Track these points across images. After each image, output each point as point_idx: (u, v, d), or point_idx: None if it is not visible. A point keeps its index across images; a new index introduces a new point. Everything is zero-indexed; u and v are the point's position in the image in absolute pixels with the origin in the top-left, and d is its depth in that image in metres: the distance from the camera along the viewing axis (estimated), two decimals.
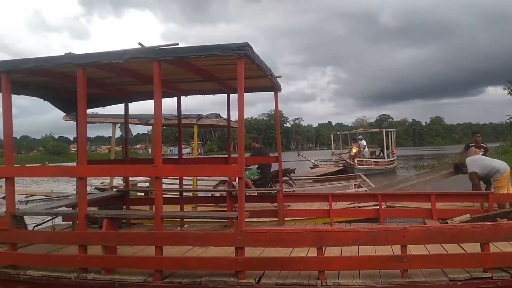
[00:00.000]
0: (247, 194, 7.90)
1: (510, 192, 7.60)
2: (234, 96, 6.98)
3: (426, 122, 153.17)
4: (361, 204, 7.63)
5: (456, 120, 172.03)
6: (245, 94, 6.69)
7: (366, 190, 9.43)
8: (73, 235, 4.99)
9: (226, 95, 7.04)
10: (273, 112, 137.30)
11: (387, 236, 4.20)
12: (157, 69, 4.44)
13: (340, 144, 34.06)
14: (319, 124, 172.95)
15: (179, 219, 6.86)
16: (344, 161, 25.38)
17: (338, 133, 36.85)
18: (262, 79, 5.84)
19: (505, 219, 5.91)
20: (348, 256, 4.52)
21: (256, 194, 8.12)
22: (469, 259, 4.16)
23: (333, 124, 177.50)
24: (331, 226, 6.56)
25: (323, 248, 4.31)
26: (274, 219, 6.85)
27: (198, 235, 4.63)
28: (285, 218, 6.87)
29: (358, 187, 10.26)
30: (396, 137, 30.42)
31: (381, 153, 28.09)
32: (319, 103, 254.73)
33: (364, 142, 28.46)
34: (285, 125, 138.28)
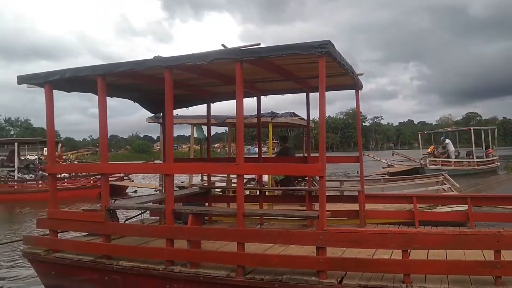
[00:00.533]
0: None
1: None
2: (312, 95, 6.96)
3: None
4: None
5: None
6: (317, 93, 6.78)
7: (453, 192, 8.92)
8: (161, 229, 5.26)
9: (304, 94, 7.03)
10: (351, 111, 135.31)
11: (479, 240, 3.96)
12: (239, 70, 4.54)
13: (420, 143, 32.55)
14: (399, 123, 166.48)
15: (258, 217, 6.97)
16: (412, 161, 24.60)
17: (425, 132, 35.06)
18: (343, 77, 5.75)
19: None
20: (436, 259, 4.31)
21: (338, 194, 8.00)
22: None
23: (415, 122, 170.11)
24: (416, 228, 6.30)
25: (409, 250, 4.17)
26: (354, 220, 6.71)
27: (280, 232, 4.67)
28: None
29: (440, 186, 9.72)
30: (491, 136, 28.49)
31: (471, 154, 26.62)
32: (401, 101, 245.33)
33: (448, 141, 26.96)
34: (363, 124, 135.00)
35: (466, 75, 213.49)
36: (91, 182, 19.24)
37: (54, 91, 5.65)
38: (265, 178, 9.72)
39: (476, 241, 3.97)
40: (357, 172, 11.55)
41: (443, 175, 10.10)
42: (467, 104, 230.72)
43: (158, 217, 6.94)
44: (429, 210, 7.25)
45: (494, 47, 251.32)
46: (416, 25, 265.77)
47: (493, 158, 26.56)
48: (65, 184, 19.27)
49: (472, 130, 27.27)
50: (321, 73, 4.26)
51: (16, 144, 20.41)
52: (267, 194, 7.25)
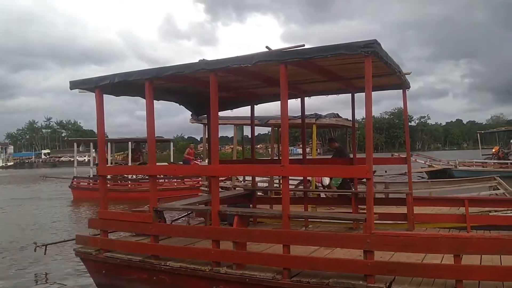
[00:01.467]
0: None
1: None
2: (358, 96, 6.83)
3: None
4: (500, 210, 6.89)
5: None
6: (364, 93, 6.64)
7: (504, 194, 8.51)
8: (207, 230, 5.32)
9: (349, 94, 6.93)
10: (395, 110, 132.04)
11: None
12: (284, 71, 4.53)
13: (479, 144, 31.19)
14: (447, 123, 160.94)
15: (303, 220, 6.92)
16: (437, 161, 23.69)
17: (482, 132, 33.44)
18: (389, 76, 5.61)
19: None
20: (490, 265, 4.12)
21: (383, 197, 7.81)
22: None
23: (464, 122, 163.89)
24: (468, 232, 6.05)
25: (461, 255, 4.01)
26: (402, 222, 6.52)
27: (326, 235, 4.62)
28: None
29: (493, 190, 9.30)
30: None
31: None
32: (451, 100, 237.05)
33: None
34: (409, 123, 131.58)
35: None
36: (184, 183, 18.92)
37: (104, 95, 5.86)
38: (326, 180, 9.63)
39: None
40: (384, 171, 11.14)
41: (495, 178, 9.63)
42: None
43: (203, 219, 7.03)
44: (481, 214, 6.93)
45: None
46: (469, 20, 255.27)
47: None
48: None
49: None
50: (368, 73, 4.18)
51: (129, 143, 20.69)
52: (311, 195, 7.16)
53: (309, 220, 7.04)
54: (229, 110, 7.93)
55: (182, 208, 5.96)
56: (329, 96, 7.28)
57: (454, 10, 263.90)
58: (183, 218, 7.87)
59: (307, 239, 4.60)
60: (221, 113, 9.05)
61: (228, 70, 5.00)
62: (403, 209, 6.57)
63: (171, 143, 25.46)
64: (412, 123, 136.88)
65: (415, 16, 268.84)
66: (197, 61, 5.26)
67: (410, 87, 6.40)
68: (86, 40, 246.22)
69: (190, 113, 9.50)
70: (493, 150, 26.76)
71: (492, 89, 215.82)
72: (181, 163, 20.76)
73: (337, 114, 10.62)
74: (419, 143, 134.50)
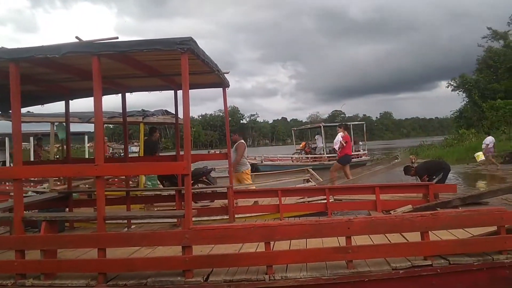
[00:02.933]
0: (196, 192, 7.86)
1: None
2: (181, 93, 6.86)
3: (376, 117, 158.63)
4: (310, 198, 7.72)
5: (405, 115, 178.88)
6: (196, 90, 6.75)
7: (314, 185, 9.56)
8: (8, 240, 4.72)
9: (173, 91, 6.91)
10: (230, 108, 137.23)
11: (332, 228, 4.27)
12: (97, 64, 4.27)
13: (293, 139, 34.26)
14: (273, 120, 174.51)
15: (126, 221, 6.67)
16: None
17: (295, 128, 36.84)
18: (209, 75, 5.77)
19: (445, 209, 6.18)
20: (294, 249, 4.56)
21: (206, 192, 8.00)
22: (410, 247, 4.30)
23: (288, 120, 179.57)
24: (281, 220, 6.61)
25: (273, 242, 4.34)
26: (225, 216, 6.80)
27: (143, 235, 4.52)
28: (236, 215, 6.85)
29: (306, 182, 10.35)
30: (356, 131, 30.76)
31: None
32: (280, 99, 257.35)
33: (317, 137, 28.26)
34: (241, 121, 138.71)
35: (340, 74, 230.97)
36: None
37: None
38: None
39: (330, 229, 4.27)
40: None
41: (308, 171, 10.73)
42: (340, 102, 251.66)
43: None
44: (297, 203, 7.66)
45: (367, 49, 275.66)
46: (296, 27, 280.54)
47: (361, 152, 27.74)
48: None
49: (322, 127, 27.86)
50: (184, 70, 4.22)
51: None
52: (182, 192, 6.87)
53: (133, 221, 6.81)
54: (40, 106, 7.17)
55: None
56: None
57: (282, 17, 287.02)
58: None
59: (124, 240, 4.44)
60: (41, 110, 8.14)
61: (33, 60, 4.49)
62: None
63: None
64: (244, 121, 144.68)
65: (248, 20, 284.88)
66: None
67: (229, 85, 6.68)
68: None
69: None
70: (301, 146, 28.92)
71: (314, 90, 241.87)
72: None
73: (166, 110, 10.51)
74: (249, 139, 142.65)
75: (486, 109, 32.38)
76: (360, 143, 29.05)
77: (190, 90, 6.96)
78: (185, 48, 4.16)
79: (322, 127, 27.86)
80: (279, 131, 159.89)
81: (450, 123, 49.56)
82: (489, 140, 20.07)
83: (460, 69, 38.78)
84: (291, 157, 26.60)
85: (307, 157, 25.66)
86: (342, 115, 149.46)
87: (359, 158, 26.34)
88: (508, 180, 15.19)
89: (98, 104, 4.35)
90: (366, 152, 28.38)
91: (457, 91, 37.00)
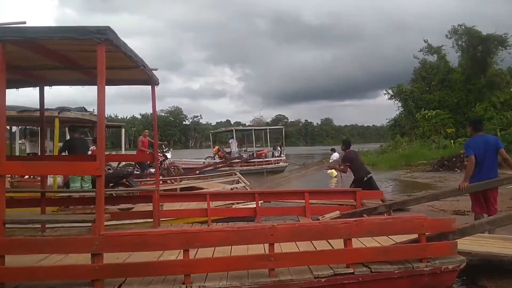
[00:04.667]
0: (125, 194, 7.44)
1: None
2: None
3: (317, 123, 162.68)
4: (239, 203, 7.54)
5: (345, 121, 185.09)
6: (137, 87, 6.36)
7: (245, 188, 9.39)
8: None
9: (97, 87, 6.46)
10: (173, 109, 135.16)
11: (256, 234, 4.10)
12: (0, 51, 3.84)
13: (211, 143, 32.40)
14: (217, 123, 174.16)
15: (39, 225, 6.15)
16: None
17: (213, 131, 34.92)
18: (135, 70, 5.43)
19: (371, 215, 6.23)
20: (214, 257, 4.33)
21: (130, 194, 7.57)
22: (333, 255, 4.21)
23: (232, 122, 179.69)
24: (208, 226, 6.37)
25: (196, 250, 4.14)
26: (149, 220, 6.45)
27: (46, 241, 4.12)
28: (161, 219, 6.52)
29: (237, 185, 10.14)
30: (285, 136, 30.17)
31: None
32: (229, 101, 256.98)
33: (231, 141, 26.54)
34: (184, 122, 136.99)
35: (287, 79, 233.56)
36: None
37: None
38: None
39: (253, 235, 4.09)
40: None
41: (236, 173, 10.53)
42: (287, 106, 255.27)
43: None
44: (225, 207, 7.44)
45: (313, 54, 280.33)
46: (247, 29, 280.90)
47: (278, 158, 26.54)
48: None
49: (234, 131, 27.13)
50: (101, 62, 3.90)
51: None
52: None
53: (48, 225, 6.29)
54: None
55: None
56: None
57: (233, 18, 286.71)
58: None
59: (26, 247, 4.00)
60: None
61: None
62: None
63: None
64: (187, 122, 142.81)
65: (195, 19, 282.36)
66: None
67: (158, 83, 6.36)
68: None
69: None
70: (214, 150, 27.40)
71: (262, 93, 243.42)
72: None
73: (84, 108, 9.99)
74: (192, 141, 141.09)
75: (419, 118, 33.95)
76: (279, 148, 28.08)
77: (118, 87, 6.73)
78: (102, 38, 3.86)
79: (234, 131, 27.31)
80: (222, 134, 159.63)
81: (386, 131, 51.55)
82: (335, 156, 20.28)
83: (402, 79, 40.16)
84: (203, 162, 24.88)
85: (216, 162, 23.18)
86: (285, 120, 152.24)
87: (277, 165, 25.33)
88: (437, 187, 15.86)
89: (1, 96, 3.91)
90: (284, 158, 27.06)
91: (393, 100, 38.51)
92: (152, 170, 11.49)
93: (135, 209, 7.00)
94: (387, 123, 43.14)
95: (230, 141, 26.95)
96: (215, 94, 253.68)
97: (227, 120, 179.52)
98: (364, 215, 6.29)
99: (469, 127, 6.62)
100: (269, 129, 30.82)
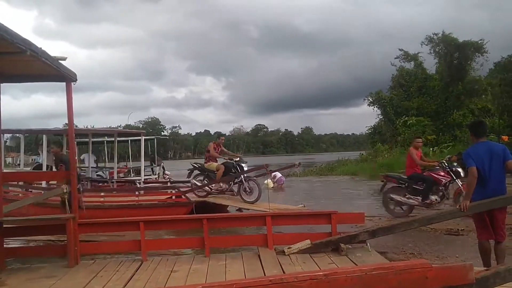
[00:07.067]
0: None
1: None
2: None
3: (298, 132, 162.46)
4: None
5: (325, 130, 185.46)
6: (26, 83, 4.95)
7: None
8: None
9: None
10: (150, 120, 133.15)
11: None
12: None
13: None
14: (196, 133, 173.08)
15: None
16: None
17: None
18: (33, 62, 4.04)
19: (349, 244, 4.94)
20: None
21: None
22: None
23: (212, 132, 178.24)
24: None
25: None
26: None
27: None
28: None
29: None
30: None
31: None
32: (213, 110, 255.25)
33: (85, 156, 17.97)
34: (162, 133, 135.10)
35: (270, 88, 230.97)
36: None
37: None
38: None
39: None
40: None
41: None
42: (267, 116, 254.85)
43: None
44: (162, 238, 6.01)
45: (295, 63, 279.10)
46: (231, 38, 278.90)
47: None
48: None
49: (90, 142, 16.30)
50: None
51: None
52: None
53: None
54: None
55: None
56: None
57: (213, 29, 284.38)
58: None
59: None
60: None
61: None
62: None
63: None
64: (165, 132, 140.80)
65: (177, 28, 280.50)
66: None
67: (76, 80, 4.97)
68: None
69: None
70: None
71: (245, 103, 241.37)
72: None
73: None
74: (171, 152, 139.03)
75: (399, 125, 33.18)
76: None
77: (22, 84, 5.30)
78: None
79: (90, 142, 16.15)
80: (201, 144, 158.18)
81: (365, 139, 50.81)
82: (277, 175, 19.09)
83: (384, 87, 39.31)
84: None
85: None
86: (264, 129, 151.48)
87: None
88: None
89: None
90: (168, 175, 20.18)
91: (373, 107, 37.70)
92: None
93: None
94: (367, 131, 42.34)
95: (82, 156, 18.85)
96: (200, 103, 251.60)
97: (205, 130, 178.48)
98: (341, 244, 4.99)
99: (470, 132, 5.41)
100: (130, 140, 20.80)
